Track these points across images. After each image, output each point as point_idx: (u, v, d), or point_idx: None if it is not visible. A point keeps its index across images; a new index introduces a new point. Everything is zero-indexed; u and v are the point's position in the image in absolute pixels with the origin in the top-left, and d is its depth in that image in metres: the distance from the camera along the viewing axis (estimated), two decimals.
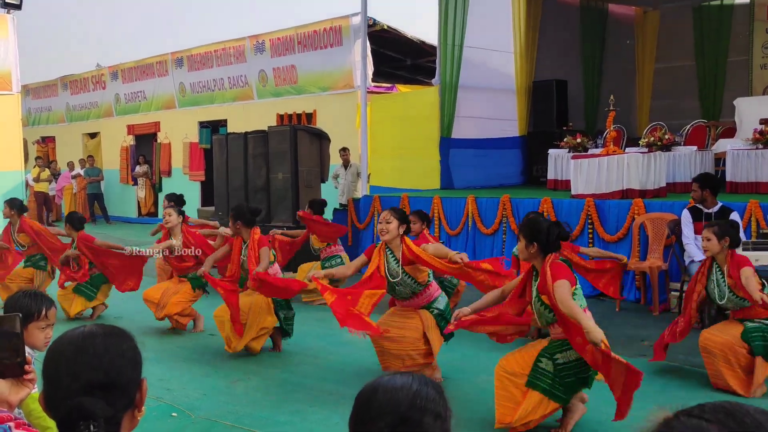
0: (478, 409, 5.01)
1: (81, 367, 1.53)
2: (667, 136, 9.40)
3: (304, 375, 5.92)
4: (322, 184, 11.61)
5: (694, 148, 9.74)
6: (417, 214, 7.63)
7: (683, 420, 1.01)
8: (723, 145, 9.77)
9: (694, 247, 7.05)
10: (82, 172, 21.45)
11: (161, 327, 7.68)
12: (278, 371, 6.06)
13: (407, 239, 5.57)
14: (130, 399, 1.59)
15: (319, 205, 9.44)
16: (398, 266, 5.51)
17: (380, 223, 5.64)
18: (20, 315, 1.94)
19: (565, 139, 10.54)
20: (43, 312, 3.10)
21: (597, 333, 4.08)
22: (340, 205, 13.29)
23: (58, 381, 1.54)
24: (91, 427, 1.49)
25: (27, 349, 3.04)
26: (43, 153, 24.62)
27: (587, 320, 4.17)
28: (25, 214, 8.95)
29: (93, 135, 23.64)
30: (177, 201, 9.34)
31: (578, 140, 10.19)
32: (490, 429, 4.64)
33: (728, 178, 9.13)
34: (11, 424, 1.87)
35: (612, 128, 9.36)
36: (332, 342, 6.96)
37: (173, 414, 5.00)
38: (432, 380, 1.55)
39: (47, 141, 25.41)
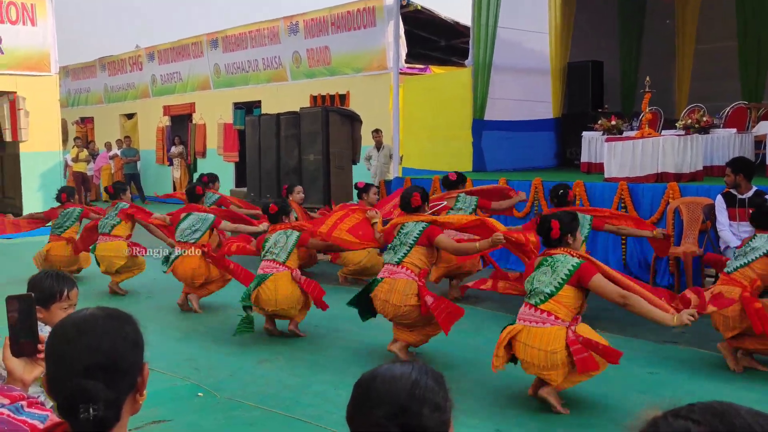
0: (501, 394, 4.97)
1: (82, 349, 1.53)
2: (705, 118, 9.19)
3: (331, 356, 5.93)
4: (353, 166, 11.60)
5: (734, 130, 9.50)
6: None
7: (670, 421, 0.96)
8: (764, 127, 9.53)
9: (729, 233, 6.90)
10: (119, 152, 21.74)
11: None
12: (306, 353, 6.08)
13: None
14: (132, 382, 1.59)
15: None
16: None
17: None
18: (33, 295, 1.96)
19: (599, 122, 10.37)
20: (65, 293, 3.12)
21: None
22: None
23: (61, 363, 1.54)
24: (91, 410, 1.49)
25: (44, 327, 3.08)
26: (82, 133, 24.99)
27: None
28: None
29: (130, 116, 23.90)
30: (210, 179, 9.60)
31: (613, 122, 10.03)
32: (505, 415, 4.60)
33: None
34: (23, 402, 1.88)
35: (648, 110, 9.17)
36: (362, 325, 6.94)
37: (199, 394, 5.05)
38: (432, 370, 1.51)
39: (86, 122, 25.77)
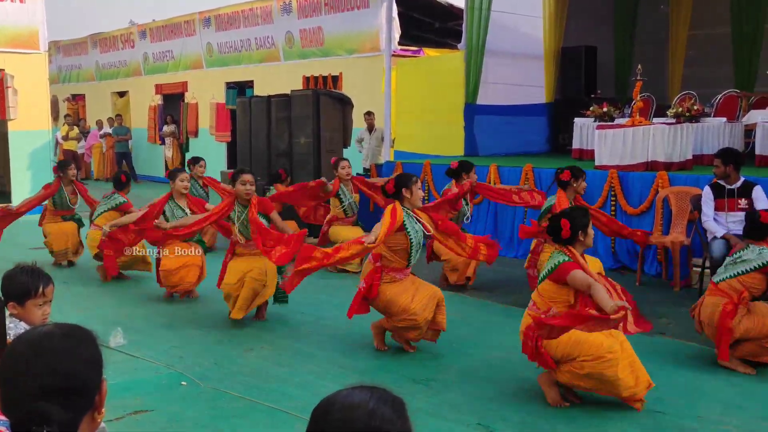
0: (485, 386, 4.97)
1: (37, 370, 1.51)
2: (695, 107, 9.16)
3: (317, 346, 5.92)
4: (344, 149, 11.54)
5: (724, 119, 9.47)
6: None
7: None
8: (754, 116, 9.49)
9: (713, 223, 6.90)
10: (110, 130, 21.61)
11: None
12: (291, 341, 6.07)
13: None
14: (89, 401, 1.56)
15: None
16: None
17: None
18: (2, 300, 1.93)
19: (591, 108, 10.34)
20: (41, 289, 3.09)
21: None
22: (364, 169, 13.23)
23: (15, 384, 1.51)
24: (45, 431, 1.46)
25: (18, 324, 3.05)
26: (73, 111, 24.85)
27: None
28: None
29: (122, 94, 23.75)
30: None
31: (604, 109, 10.00)
32: (488, 408, 4.61)
33: (758, 152, 8.89)
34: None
35: (639, 98, 9.15)
36: (346, 311, 6.95)
37: (183, 383, 5.03)
38: (394, 397, 1.48)
39: (77, 99, 25.61)
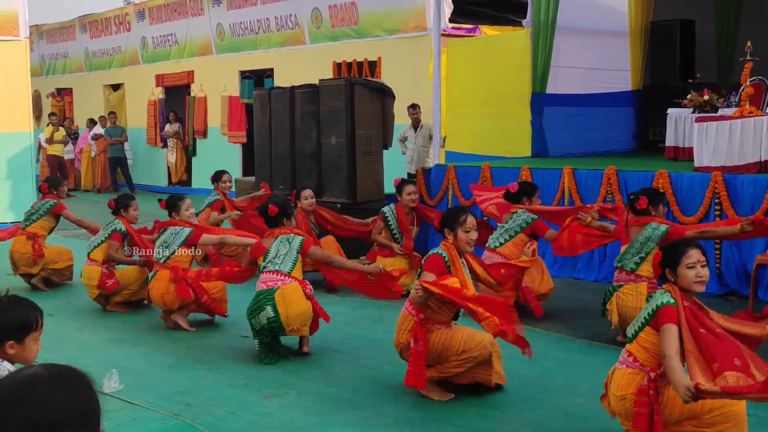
0: None
1: (18, 421, 1.54)
2: None
3: (354, 390, 5.94)
4: (385, 151, 11.59)
5: None
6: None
7: None
8: None
9: None
10: (102, 131, 21.90)
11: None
12: (321, 385, 6.10)
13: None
14: None
15: None
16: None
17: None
18: None
19: (689, 96, 10.27)
20: (40, 321, 3.18)
21: None
22: (408, 175, 13.27)
23: None
24: None
25: (8, 366, 3.12)
26: (58, 108, 25.32)
27: None
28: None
29: (116, 87, 24.17)
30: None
31: (705, 97, 9.92)
32: None
33: None
34: None
35: (748, 83, 9.06)
36: (390, 349, 6.92)
37: None
38: None
39: (63, 94, 26.12)
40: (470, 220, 5.72)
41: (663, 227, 6.71)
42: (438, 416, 5.39)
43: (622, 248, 6.97)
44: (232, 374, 6.39)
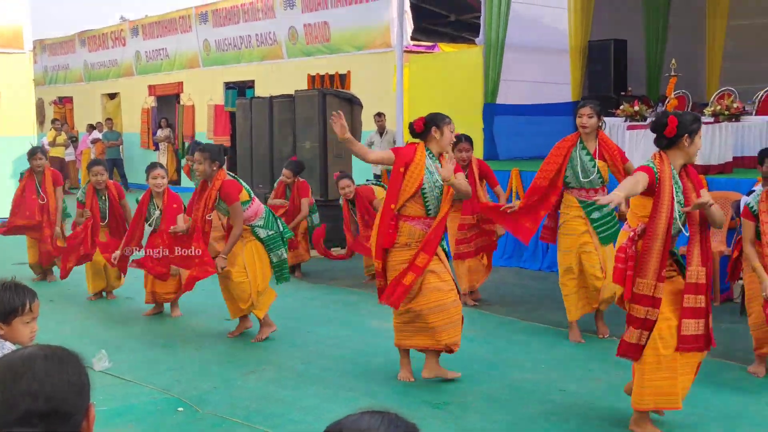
0: (508, 411, 4.97)
1: (18, 394, 1.53)
2: (735, 105, 9.14)
3: (324, 367, 5.93)
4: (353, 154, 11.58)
5: (767, 118, 9.45)
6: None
7: None
8: None
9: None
10: (100, 136, 21.70)
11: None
12: (297, 362, 6.09)
13: None
14: (75, 427, 1.58)
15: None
16: None
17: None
18: None
19: (622, 107, 10.31)
20: (27, 305, 3.12)
21: None
22: (374, 176, 13.26)
23: None
24: None
25: (4, 344, 3.08)
26: (60, 115, 25.00)
27: None
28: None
29: (112, 96, 23.92)
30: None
31: (636, 108, 9.97)
32: None
33: None
34: None
35: (674, 95, 9.15)
36: (358, 330, 6.98)
37: (179, 409, 5.06)
38: (406, 422, 1.49)
39: (64, 101, 25.79)
40: (450, 120, 5.58)
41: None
42: (400, 390, 5.40)
43: None
44: (216, 353, 6.36)
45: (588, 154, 6.48)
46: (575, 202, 6.52)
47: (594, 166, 6.45)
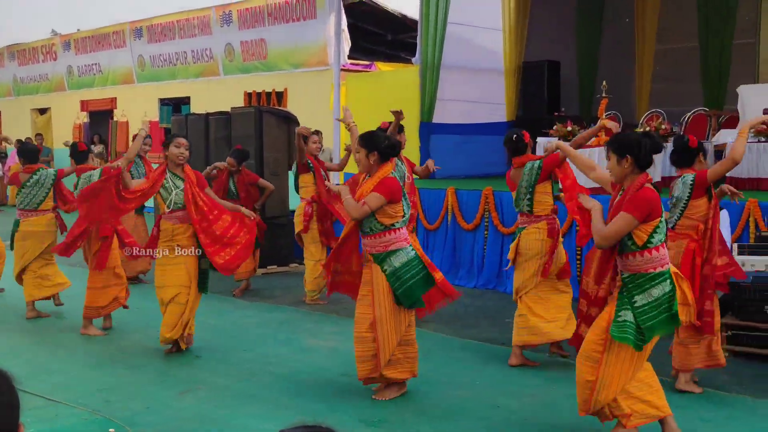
0: (444, 428, 5.00)
1: None
2: (664, 126, 9.40)
3: (261, 386, 5.88)
4: (290, 172, 11.54)
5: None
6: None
7: None
8: (724, 136, 9.76)
9: None
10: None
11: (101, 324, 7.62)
12: (232, 381, 6.02)
13: None
14: None
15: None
16: None
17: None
18: None
19: (555, 127, 10.52)
20: None
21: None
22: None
23: None
24: None
25: None
26: None
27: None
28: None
29: (43, 111, 23.45)
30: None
31: (569, 128, 10.18)
32: None
33: (728, 174, 9.13)
34: None
35: (604, 116, 9.33)
36: (295, 349, 6.94)
37: (111, 430, 4.95)
38: None
39: None
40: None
41: (537, 162, 6.44)
42: (336, 407, 5.38)
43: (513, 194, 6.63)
44: (149, 372, 6.25)
45: None
46: None
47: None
